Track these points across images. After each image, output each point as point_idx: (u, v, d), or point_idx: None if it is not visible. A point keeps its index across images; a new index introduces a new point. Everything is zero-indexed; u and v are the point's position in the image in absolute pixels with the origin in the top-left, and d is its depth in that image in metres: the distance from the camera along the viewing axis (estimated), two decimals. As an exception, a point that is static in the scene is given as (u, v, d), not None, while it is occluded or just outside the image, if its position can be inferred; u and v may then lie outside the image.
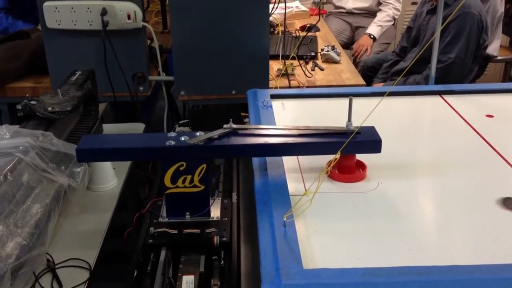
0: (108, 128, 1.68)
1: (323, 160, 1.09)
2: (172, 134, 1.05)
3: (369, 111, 1.00)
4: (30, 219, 1.05)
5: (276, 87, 1.92)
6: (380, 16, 3.50)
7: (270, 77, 1.95)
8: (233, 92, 1.89)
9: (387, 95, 1.25)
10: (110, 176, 1.37)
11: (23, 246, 0.99)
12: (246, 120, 1.69)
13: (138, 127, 1.73)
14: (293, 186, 1.04)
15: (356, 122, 1.05)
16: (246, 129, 1.08)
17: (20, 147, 1.13)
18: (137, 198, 1.53)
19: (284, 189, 1.01)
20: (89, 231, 1.19)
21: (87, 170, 1.28)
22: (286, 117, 1.40)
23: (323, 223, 0.94)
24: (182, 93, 1.90)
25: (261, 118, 1.33)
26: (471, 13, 2.38)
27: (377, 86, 2.73)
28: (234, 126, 1.05)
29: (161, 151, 1.03)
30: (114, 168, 1.39)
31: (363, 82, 2.08)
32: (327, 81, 2.08)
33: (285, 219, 0.89)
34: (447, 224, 0.95)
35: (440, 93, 1.53)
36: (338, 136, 1.05)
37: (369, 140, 1.05)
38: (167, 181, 1.05)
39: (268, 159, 1.11)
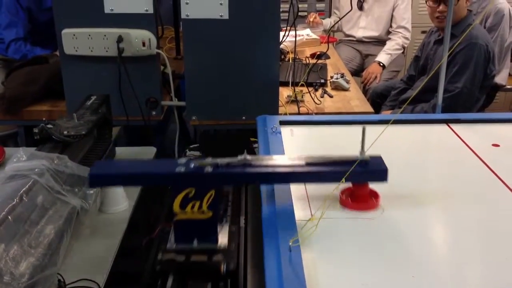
0: (121, 151, 1.70)
1: (329, 187, 1.10)
2: (182, 160, 1.06)
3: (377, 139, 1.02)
4: (43, 239, 1.08)
5: (285, 114, 1.95)
6: (389, 44, 3.55)
7: (280, 103, 1.98)
8: (243, 117, 1.92)
9: (395, 123, 1.27)
10: (122, 199, 1.40)
11: (35, 266, 1.02)
12: (256, 145, 1.71)
13: (150, 151, 1.76)
14: (299, 212, 1.05)
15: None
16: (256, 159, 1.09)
17: (36, 169, 1.16)
18: (147, 220, 1.55)
19: (290, 215, 1.02)
20: (99, 252, 1.21)
21: (99, 193, 1.31)
22: (294, 143, 1.43)
23: (329, 249, 0.95)
24: (194, 118, 1.94)
25: (270, 144, 1.36)
26: (478, 44, 2.41)
27: (385, 114, 2.76)
28: (248, 157, 1.05)
29: (171, 177, 1.05)
30: (125, 191, 1.42)
31: (372, 110, 2.10)
32: (336, 108, 2.11)
33: (291, 244, 0.91)
34: (452, 252, 0.96)
35: (446, 121, 1.55)
36: (346, 165, 1.04)
37: (375, 170, 1.05)
38: (176, 207, 1.06)
39: (275, 186, 1.12)
